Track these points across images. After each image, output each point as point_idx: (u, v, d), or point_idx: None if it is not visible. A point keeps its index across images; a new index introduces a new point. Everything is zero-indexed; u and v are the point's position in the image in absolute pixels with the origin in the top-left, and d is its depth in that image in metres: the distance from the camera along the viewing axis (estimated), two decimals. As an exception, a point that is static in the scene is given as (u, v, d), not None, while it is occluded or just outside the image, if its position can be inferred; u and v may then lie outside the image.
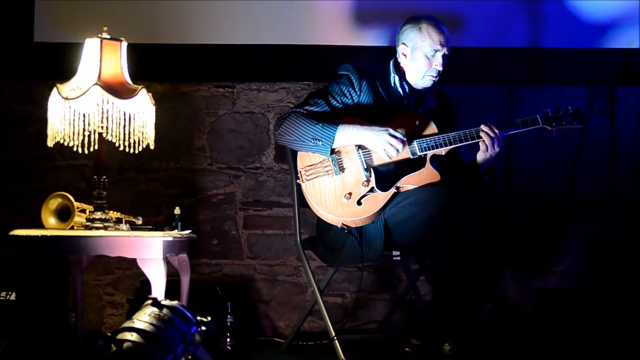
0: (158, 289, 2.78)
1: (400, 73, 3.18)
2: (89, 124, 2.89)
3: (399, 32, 3.20)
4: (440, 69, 3.12)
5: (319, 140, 2.98)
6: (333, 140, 2.98)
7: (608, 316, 3.36)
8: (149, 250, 2.81)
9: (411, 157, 3.00)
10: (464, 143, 3.01)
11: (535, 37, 3.82)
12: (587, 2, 3.82)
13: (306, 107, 3.08)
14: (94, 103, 2.87)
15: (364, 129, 2.98)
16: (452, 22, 3.61)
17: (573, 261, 3.80)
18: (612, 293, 3.52)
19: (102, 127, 2.90)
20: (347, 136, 2.99)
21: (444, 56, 3.11)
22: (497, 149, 3.01)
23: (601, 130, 3.80)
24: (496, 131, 2.99)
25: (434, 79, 3.13)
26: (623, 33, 3.81)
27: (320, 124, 2.99)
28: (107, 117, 2.89)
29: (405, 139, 2.97)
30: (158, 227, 2.99)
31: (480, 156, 3.06)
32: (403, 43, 3.16)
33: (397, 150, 2.95)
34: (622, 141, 3.80)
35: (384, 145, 2.95)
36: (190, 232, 3.16)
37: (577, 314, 3.40)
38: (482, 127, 3.00)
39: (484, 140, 3.00)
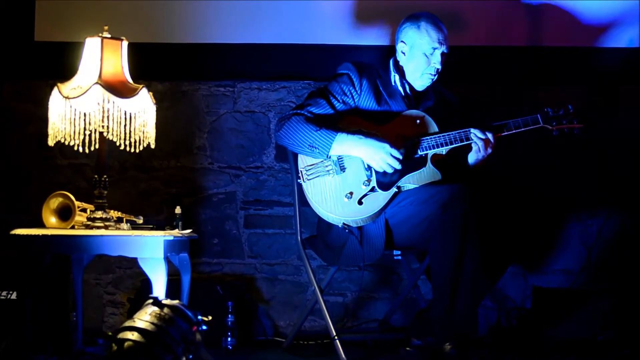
0: (159, 289, 2.78)
1: (400, 72, 3.18)
2: (89, 123, 2.90)
3: (398, 31, 3.20)
4: (439, 67, 3.11)
5: (315, 147, 2.98)
6: (329, 150, 2.97)
7: (607, 315, 3.36)
8: (150, 250, 2.81)
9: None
10: (465, 142, 3.00)
11: (535, 36, 3.82)
12: (587, 1, 3.82)
13: (307, 108, 3.07)
14: (95, 102, 2.87)
15: (362, 143, 2.96)
16: (451, 21, 3.59)
17: (573, 260, 3.80)
18: (611, 292, 3.52)
19: (102, 126, 2.91)
20: (344, 148, 2.98)
21: (442, 54, 3.10)
22: (489, 151, 3.00)
23: (602, 129, 3.79)
24: (488, 135, 2.99)
25: (433, 77, 3.13)
26: (623, 32, 3.80)
27: (319, 132, 2.99)
28: (107, 116, 2.89)
29: (402, 157, 2.96)
30: (159, 227, 2.99)
31: (472, 157, 3.06)
32: (402, 41, 3.16)
33: (394, 168, 2.95)
34: (623, 140, 3.80)
35: (381, 163, 2.95)
36: (191, 232, 3.16)
37: (576, 312, 3.40)
38: (472, 129, 3.00)
39: (476, 142, 3.00)
